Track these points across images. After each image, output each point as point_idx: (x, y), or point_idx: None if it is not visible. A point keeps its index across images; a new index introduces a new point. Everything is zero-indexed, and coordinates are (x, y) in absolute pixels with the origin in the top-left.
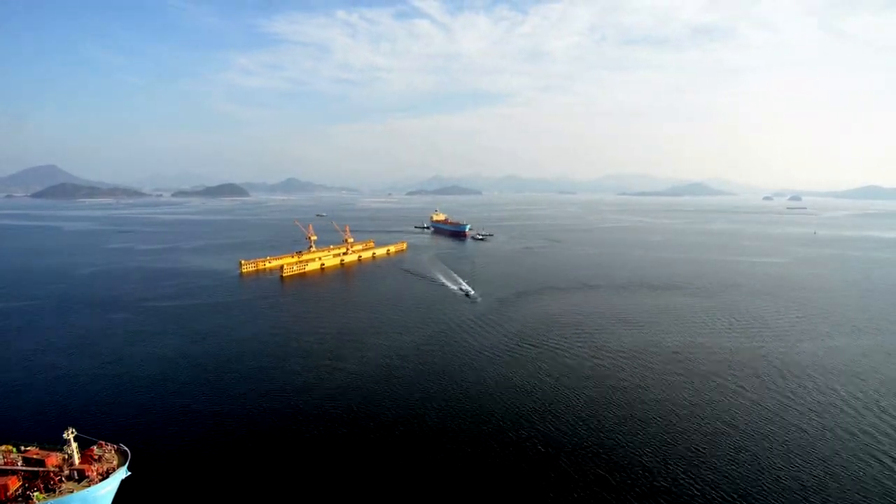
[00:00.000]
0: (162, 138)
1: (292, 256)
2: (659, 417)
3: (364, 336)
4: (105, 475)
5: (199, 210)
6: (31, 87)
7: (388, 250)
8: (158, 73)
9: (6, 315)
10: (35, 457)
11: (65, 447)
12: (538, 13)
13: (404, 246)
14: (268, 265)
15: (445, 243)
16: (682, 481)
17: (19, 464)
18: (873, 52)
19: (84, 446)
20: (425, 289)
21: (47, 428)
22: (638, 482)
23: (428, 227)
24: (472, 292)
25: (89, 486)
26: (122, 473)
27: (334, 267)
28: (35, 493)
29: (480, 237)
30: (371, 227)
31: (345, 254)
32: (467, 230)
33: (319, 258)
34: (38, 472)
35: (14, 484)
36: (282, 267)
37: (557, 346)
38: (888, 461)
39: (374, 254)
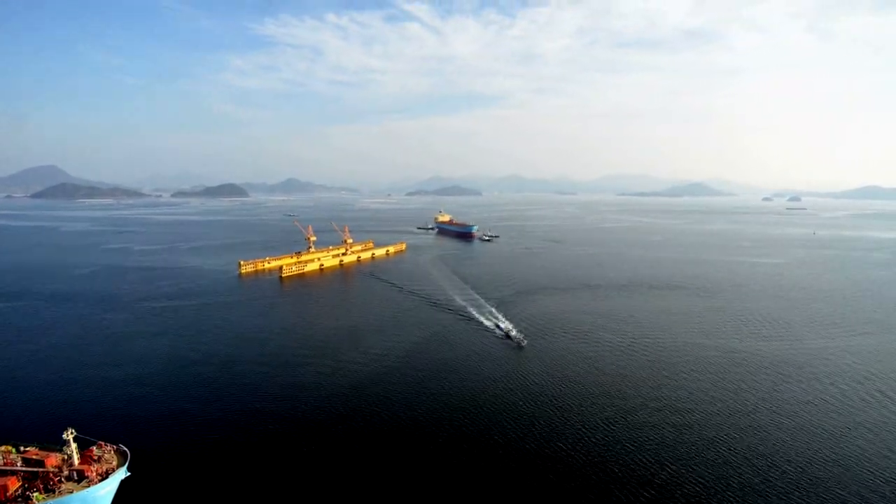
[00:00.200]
0: (161, 138)
1: (291, 257)
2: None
3: (364, 336)
4: (105, 475)
5: (198, 210)
6: (31, 87)
7: (388, 251)
8: (155, 75)
9: (6, 315)
10: (35, 457)
11: (64, 448)
12: (525, 17)
13: (403, 247)
14: (267, 266)
15: (451, 245)
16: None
17: (19, 464)
18: (862, 54)
19: (84, 447)
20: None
21: (47, 428)
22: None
23: (432, 228)
24: (514, 332)
25: (89, 486)
26: (122, 474)
27: (333, 267)
28: (35, 494)
29: (487, 238)
30: (372, 227)
31: (344, 254)
32: (474, 231)
33: (318, 259)
34: (37, 472)
35: (14, 484)
36: (281, 267)
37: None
38: None
39: (373, 254)
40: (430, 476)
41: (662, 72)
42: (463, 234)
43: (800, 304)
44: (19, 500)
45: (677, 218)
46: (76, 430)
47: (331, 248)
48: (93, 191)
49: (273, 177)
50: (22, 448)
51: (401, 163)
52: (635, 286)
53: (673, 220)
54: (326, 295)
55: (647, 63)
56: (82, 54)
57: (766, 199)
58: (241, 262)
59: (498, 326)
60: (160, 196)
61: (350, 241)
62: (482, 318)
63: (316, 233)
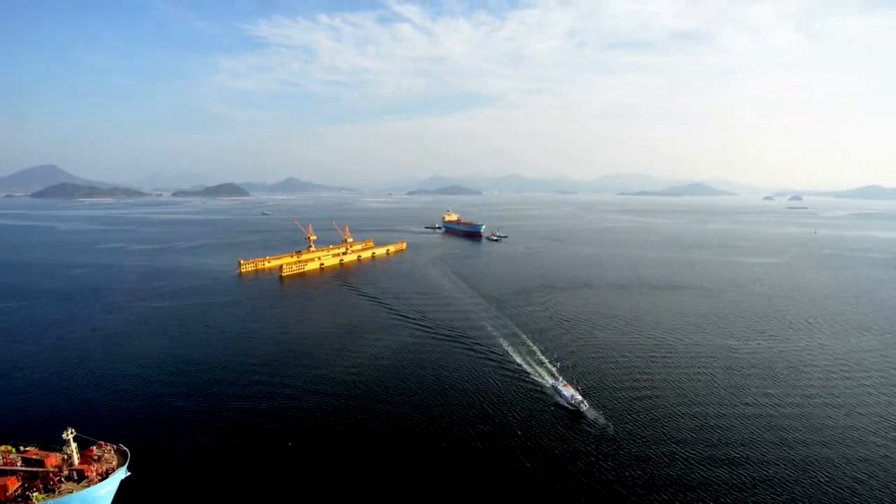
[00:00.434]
0: (160, 139)
1: (291, 256)
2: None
3: (363, 336)
4: (104, 475)
5: (198, 210)
6: (30, 87)
7: (388, 250)
8: (151, 76)
9: (6, 315)
10: (34, 457)
11: (64, 447)
12: (515, 18)
13: (404, 246)
14: (267, 265)
15: (459, 245)
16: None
17: (19, 464)
18: (856, 55)
19: (83, 446)
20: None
21: (47, 428)
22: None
23: (439, 228)
24: (584, 405)
25: (89, 486)
26: (122, 473)
27: (333, 267)
28: (34, 494)
29: (496, 238)
30: (372, 227)
31: (344, 254)
32: (482, 231)
33: (319, 258)
34: (37, 472)
35: (13, 484)
36: (281, 267)
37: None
38: None
39: (373, 253)
40: (430, 476)
41: (657, 73)
42: (471, 233)
43: (801, 304)
44: (19, 499)
45: (678, 218)
46: (76, 430)
47: (331, 247)
48: (92, 190)
49: (273, 177)
50: (22, 448)
51: (400, 163)
52: (643, 287)
53: (674, 220)
54: (326, 294)
55: (640, 64)
56: (79, 56)
57: (766, 198)
58: (241, 262)
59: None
60: (160, 195)
61: (350, 240)
62: (499, 339)
63: (314, 232)
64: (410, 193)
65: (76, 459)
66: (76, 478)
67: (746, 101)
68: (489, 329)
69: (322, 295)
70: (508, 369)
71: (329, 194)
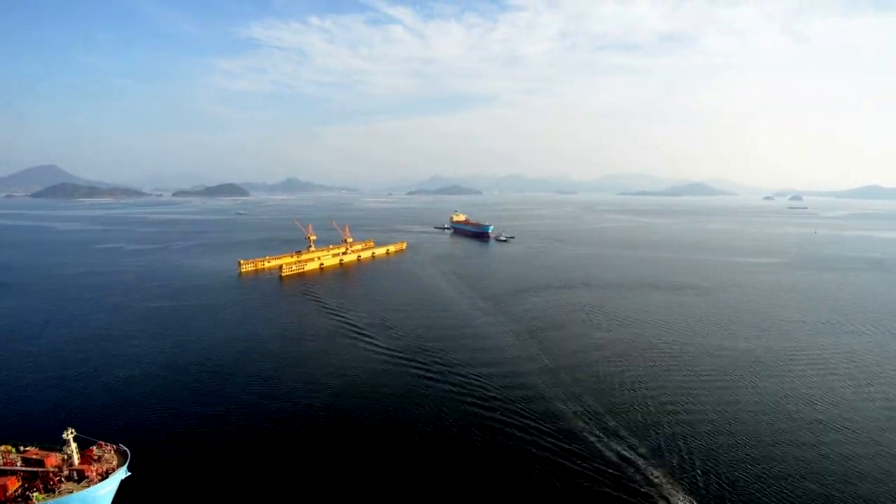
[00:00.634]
0: (160, 139)
1: (291, 256)
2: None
3: (364, 336)
4: (105, 475)
5: (199, 209)
6: (30, 87)
7: (388, 250)
8: (149, 77)
9: (6, 315)
10: (34, 457)
11: (64, 447)
12: (506, 21)
13: (404, 246)
14: (266, 265)
15: (466, 245)
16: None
17: (18, 464)
18: (843, 56)
19: (84, 446)
20: None
21: (47, 428)
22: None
23: (448, 228)
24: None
25: (89, 486)
26: (122, 473)
27: (333, 267)
28: (34, 494)
29: (504, 239)
30: (373, 226)
31: (344, 254)
32: (490, 231)
33: (318, 258)
34: (37, 472)
35: (13, 484)
36: (280, 267)
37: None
38: None
39: (373, 253)
40: (431, 476)
41: (648, 74)
42: (478, 234)
43: (801, 304)
44: (19, 499)
45: (679, 218)
46: (76, 430)
47: (331, 247)
48: (93, 190)
49: (273, 177)
50: (22, 448)
51: (399, 163)
52: (645, 287)
53: (674, 219)
54: (326, 294)
55: (631, 65)
56: (77, 56)
57: (766, 198)
58: (241, 262)
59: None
60: (160, 195)
61: (350, 239)
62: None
63: (314, 232)
64: (410, 193)
65: (76, 459)
66: (76, 478)
67: (743, 101)
68: (488, 328)
69: (322, 295)
70: (507, 370)
71: (329, 194)
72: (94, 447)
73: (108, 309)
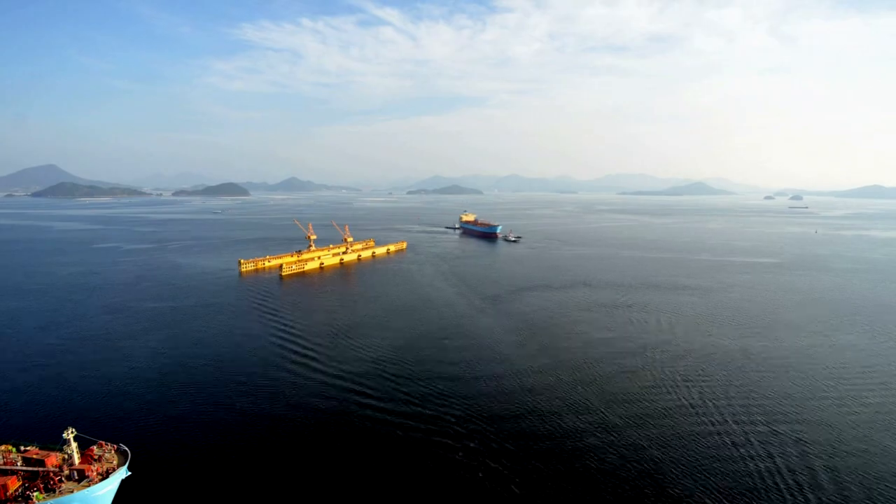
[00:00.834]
0: (160, 139)
1: (292, 256)
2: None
3: (364, 335)
4: (105, 475)
5: (199, 209)
6: (30, 87)
7: (388, 249)
8: (147, 77)
9: (6, 314)
10: (35, 457)
11: (64, 447)
12: (495, 22)
13: (404, 245)
14: (267, 264)
15: (475, 245)
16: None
17: (19, 464)
18: (835, 58)
19: (84, 446)
20: None
21: (47, 428)
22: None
23: (458, 228)
24: None
25: (89, 486)
26: (122, 473)
27: (334, 266)
28: (35, 493)
29: (513, 239)
30: (373, 226)
31: (344, 253)
32: (499, 231)
33: (319, 257)
34: (37, 472)
35: (14, 484)
36: (281, 266)
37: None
38: None
39: (373, 253)
40: (431, 479)
41: (639, 74)
42: (487, 234)
43: (801, 304)
44: (19, 499)
45: (679, 217)
46: (76, 430)
47: (331, 246)
48: (92, 190)
49: (273, 176)
50: (22, 447)
51: (399, 162)
52: (643, 287)
53: (674, 219)
54: (326, 294)
55: (623, 66)
56: (75, 57)
57: (767, 197)
58: (241, 261)
59: None
60: (160, 195)
61: (350, 239)
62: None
63: (314, 231)
64: (411, 193)
65: (76, 459)
66: (76, 477)
67: (737, 100)
68: (486, 324)
69: (322, 294)
70: (507, 370)
71: (329, 194)
72: (95, 447)
73: (108, 308)
